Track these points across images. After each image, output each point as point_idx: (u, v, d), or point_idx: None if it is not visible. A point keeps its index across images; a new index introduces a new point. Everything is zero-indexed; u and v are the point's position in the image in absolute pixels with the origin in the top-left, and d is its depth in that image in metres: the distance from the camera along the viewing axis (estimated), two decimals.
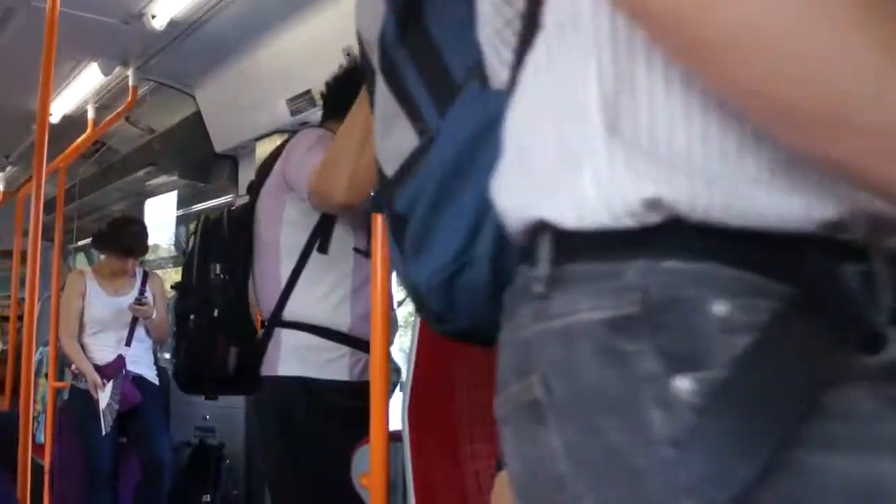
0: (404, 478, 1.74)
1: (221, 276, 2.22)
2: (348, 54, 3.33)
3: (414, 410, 1.75)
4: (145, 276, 4.26)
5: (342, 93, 2.19)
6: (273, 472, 2.19)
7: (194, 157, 4.99)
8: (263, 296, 2.19)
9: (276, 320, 2.13)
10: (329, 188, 1.88)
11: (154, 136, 5.14)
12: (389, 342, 1.87)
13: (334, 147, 1.91)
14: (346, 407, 2.06)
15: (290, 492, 2.13)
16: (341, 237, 2.12)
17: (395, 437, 1.76)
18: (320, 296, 2.11)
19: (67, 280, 4.20)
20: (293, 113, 4.01)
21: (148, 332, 4.19)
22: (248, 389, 2.23)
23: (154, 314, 4.06)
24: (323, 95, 2.34)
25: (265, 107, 4.22)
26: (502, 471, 1.24)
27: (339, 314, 2.10)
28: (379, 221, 1.77)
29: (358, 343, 2.10)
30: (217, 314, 2.20)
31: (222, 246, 2.24)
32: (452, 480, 1.74)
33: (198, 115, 4.72)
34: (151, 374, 4.18)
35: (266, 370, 2.15)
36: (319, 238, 2.10)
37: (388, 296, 1.74)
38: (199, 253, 2.25)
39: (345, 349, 2.10)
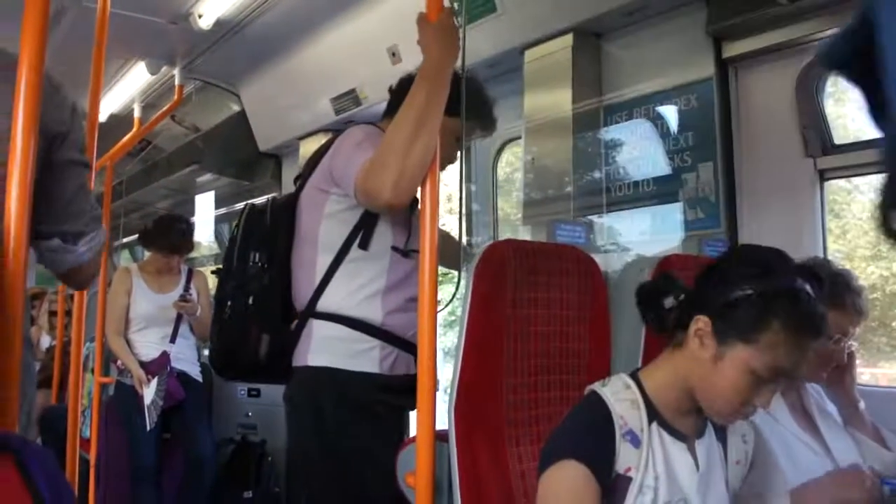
0: (450, 477, 1.74)
1: (259, 263, 2.22)
2: (393, 54, 3.35)
3: (460, 410, 1.75)
4: (190, 273, 4.30)
5: (404, 95, 2.21)
6: (303, 463, 2.18)
7: (238, 155, 5.05)
8: (299, 286, 2.19)
9: (310, 311, 2.14)
10: (376, 187, 1.89)
11: (199, 135, 5.20)
12: None
13: (383, 146, 1.92)
14: (375, 399, 2.07)
15: (320, 482, 2.12)
16: (381, 234, 2.12)
17: (440, 436, 1.76)
18: (354, 289, 2.11)
19: (114, 277, 4.24)
20: (337, 112, 4.04)
21: (192, 329, 4.24)
22: (279, 378, 2.23)
23: (198, 311, 4.09)
24: (390, 91, 2.35)
25: (309, 106, 4.25)
26: None
27: (372, 307, 2.10)
28: (427, 222, 1.78)
29: (388, 337, 2.10)
30: (252, 301, 2.21)
31: (263, 234, 2.25)
32: (498, 481, 1.74)
33: (242, 114, 4.78)
34: (195, 371, 4.21)
35: (297, 361, 2.16)
36: (361, 234, 2.11)
37: (436, 296, 1.74)
38: (241, 240, 2.25)
39: (375, 342, 2.10)
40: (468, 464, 1.73)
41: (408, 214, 2.13)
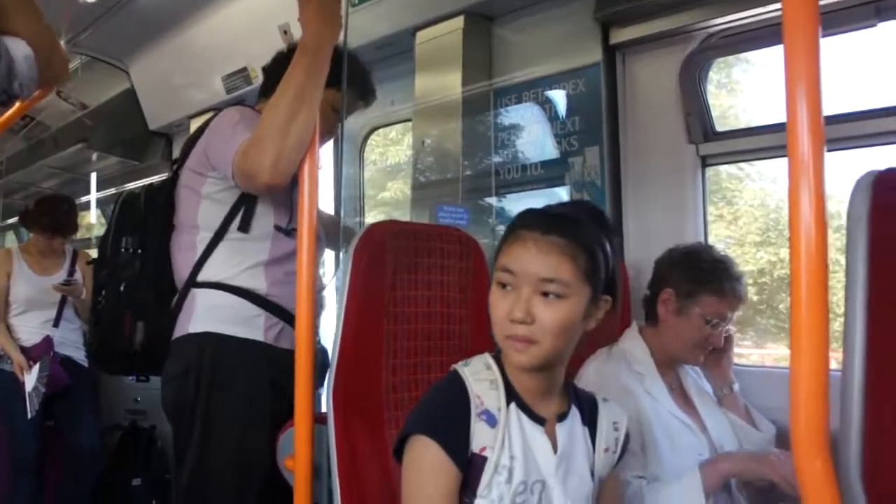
0: (329, 461, 1.72)
1: (130, 249, 2.19)
2: (285, 32, 3.30)
3: (338, 393, 1.74)
4: (75, 254, 4.16)
5: (275, 75, 2.17)
6: (177, 429, 2.12)
7: (127, 134, 4.91)
8: (179, 268, 2.16)
9: (192, 282, 2.11)
10: (254, 168, 1.86)
11: (86, 112, 5.02)
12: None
13: (260, 126, 1.88)
14: (258, 368, 2.05)
15: (189, 441, 2.07)
16: (263, 215, 2.10)
17: (319, 419, 1.75)
18: (236, 262, 2.09)
19: None
20: (228, 90, 3.96)
21: (78, 312, 4.09)
22: (157, 367, 2.18)
23: (83, 294, 3.95)
24: (264, 70, 2.31)
25: (200, 84, 4.16)
26: None
27: (255, 278, 2.09)
28: (306, 200, 1.75)
29: (274, 308, 2.09)
30: (123, 288, 2.18)
31: (136, 220, 2.23)
32: (377, 464, 1.73)
33: (131, 92, 4.63)
34: (80, 356, 4.07)
35: (177, 333, 2.12)
36: (241, 216, 2.08)
37: (313, 275, 1.72)
38: (115, 228, 2.24)
39: (260, 311, 2.08)
40: (347, 447, 1.72)
41: (289, 193, 2.09)
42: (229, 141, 1.96)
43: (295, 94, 1.85)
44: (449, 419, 1.39)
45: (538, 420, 1.45)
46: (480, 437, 1.39)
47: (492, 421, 1.40)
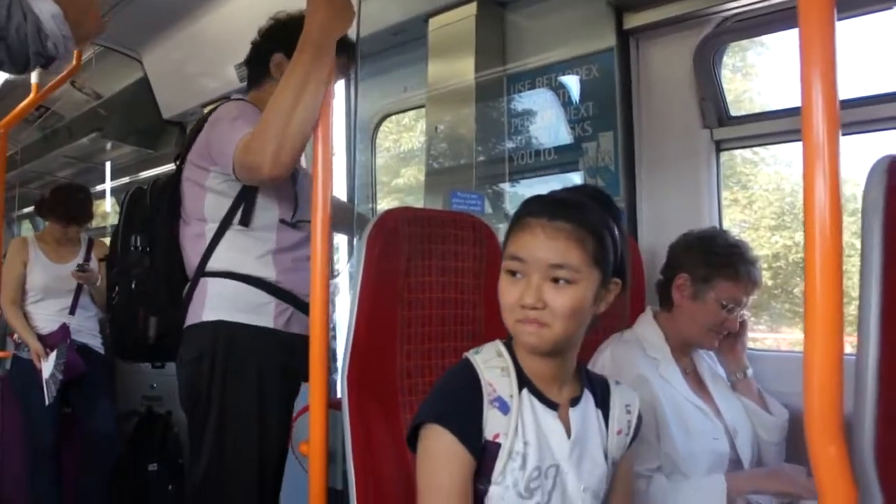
0: (343, 445, 1.73)
1: (140, 247, 2.24)
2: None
3: (353, 378, 1.74)
4: (90, 243, 4.18)
5: (256, 65, 2.28)
6: (192, 416, 2.15)
7: (141, 123, 4.92)
8: (190, 256, 2.18)
9: (201, 271, 2.13)
10: (256, 161, 1.87)
11: (100, 102, 5.03)
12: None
13: (262, 121, 1.88)
14: (269, 354, 2.08)
15: (205, 428, 2.10)
16: (266, 209, 2.12)
17: (334, 405, 1.75)
18: (244, 251, 2.11)
19: (10, 246, 4.10)
20: (242, 79, 3.92)
21: (93, 300, 4.12)
22: (171, 356, 2.22)
23: (98, 281, 3.97)
24: (247, 63, 2.36)
25: (214, 73, 4.15)
26: None
27: (264, 266, 2.11)
28: (320, 187, 1.75)
29: (284, 294, 2.11)
30: (135, 285, 2.23)
31: (143, 217, 2.27)
32: (391, 449, 1.74)
33: (145, 81, 4.64)
34: (96, 343, 4.11)
35: (189, 320, 2.15)
36: (242, 210, 2.10)
37: (328, 262, 1.72)
38: (123, 225, 2.28)
39: (270, 298, 2.11)
40: (361, 432, 1.72)
41: (291, 186, 2.12)
42: (229, 137, 1.97)
43: (295, 89, 1.83)
44: (461, 408, 1.40)
45: (551, 405, 1.45)
46: (493, 424, 1.39)
47: (504, 408, 1.40)
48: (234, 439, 2.05)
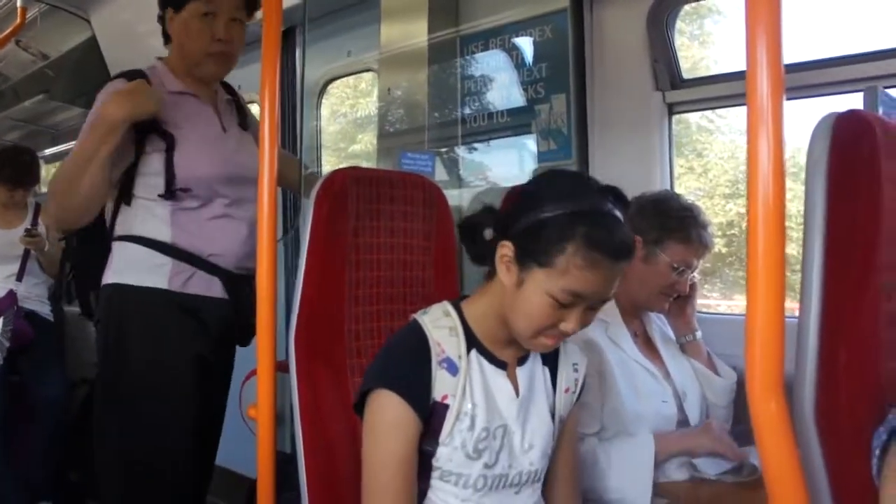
0: (291, 408, 1.72)
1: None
2: None
3: (300, 340, 1.73)
4: (37, 207, 4.08)
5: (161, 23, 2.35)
6: (103, 381, 2.18)
7: (91, 85, 4.79)
8: (108, 220, 2.22)
9: (111, 235, 2.17)
10: (48, 216, 2.01)
11: (47, 63, 4.92)
12: None
13: (52, 181, 2.09)
14: (159, 311, 2.09)
15: (106, 393, 2.14)
16: (145, 183, 2.13)
17: (281, 367, 1.73)
18: (141, 214, 2.13)
19: None
20: None
21: (41, 266, 4.03)
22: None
23: (46, 246, 3.89)
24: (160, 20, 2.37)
25: None
26: None
27: (162, 227, 2.12)
28: (266, 146, 1.72)
29: (181, 254, 2.12)
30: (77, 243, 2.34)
31: None
32: (339, 412, 1.72)
33: (93, 41, 4.53)
34: (45, 310, 4.03)
35: (102, 282, 2.18)
36: (121, 182, 2.14)
37: (275, 222, 1.69)
38: None
39: (167, 259, 2.11)
40: (309, 395, 1.71)
41: (162, 165, 2.11)
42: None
43: (78, 161, 1.96)
44: (409, 369, 1.39)
45: (499, 364, 1.45)
46: (441, 385, 1.39)
47: (452, 369, 1.40)
48: (133, 405, 2.07)
